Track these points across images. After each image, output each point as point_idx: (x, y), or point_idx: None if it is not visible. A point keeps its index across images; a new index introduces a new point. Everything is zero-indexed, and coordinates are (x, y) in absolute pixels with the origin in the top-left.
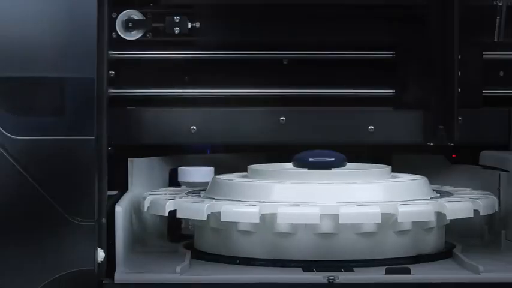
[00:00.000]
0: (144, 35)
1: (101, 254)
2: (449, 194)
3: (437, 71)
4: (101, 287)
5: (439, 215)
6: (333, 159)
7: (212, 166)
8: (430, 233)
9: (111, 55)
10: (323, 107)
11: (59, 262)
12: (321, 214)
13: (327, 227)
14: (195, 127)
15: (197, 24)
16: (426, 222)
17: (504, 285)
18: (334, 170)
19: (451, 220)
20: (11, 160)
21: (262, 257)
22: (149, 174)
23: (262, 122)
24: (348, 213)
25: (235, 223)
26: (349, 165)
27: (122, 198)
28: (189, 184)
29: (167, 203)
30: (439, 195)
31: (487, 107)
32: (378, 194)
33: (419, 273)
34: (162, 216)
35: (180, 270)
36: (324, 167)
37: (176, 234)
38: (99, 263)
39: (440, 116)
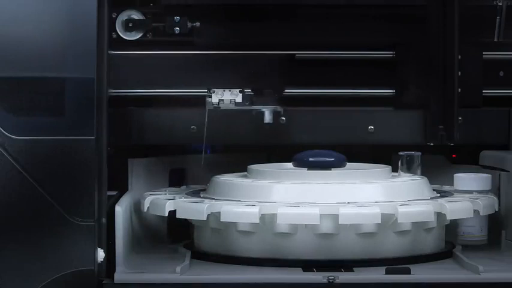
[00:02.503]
0: (144, 35)
1: (101, 254)
2: (449, 194)
3: (437, 71)
4: (101, 287)
5: (439, 215)
6: (333, 159)
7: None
8: (430, 233)
9: (111, 55)
10: (323, 107)
11: (59, 262)
12: (320, 214)
13: (327, 227)
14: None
15: (197, 24)
16: (426, 223)
17: (504, 285)
18: (334, 170)
19: (451, 220)
20: (11, 160)
21: (262, 257)
22: (149, 174)
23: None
24: (348, 214)
25: (235, 223)
26: (349, 165)
27: (122, 198)
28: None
29: (167, 203)
30: (439, 195)
31: (487, 107)
32: (378, 194)
33: (419, 273)
34: (162, 216)
35: (180, 270)
36: (324, 167)
37: (176, 234)
38: (99, 263)
39: (440, 116)
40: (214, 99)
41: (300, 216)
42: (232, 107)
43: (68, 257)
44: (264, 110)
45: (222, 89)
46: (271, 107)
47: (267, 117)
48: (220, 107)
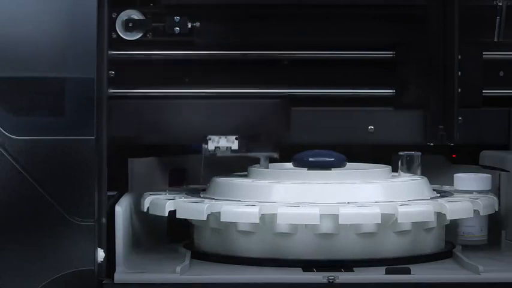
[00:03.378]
0: (144, 35)
1: (101, 254)
2: (449, 194)
3: (437, 71)
4: (101, 287)
5: (439, 215)
6: (333, 159)
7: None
8: (430, 233)
9: (111, 55)
10: (323, 107)
11: (59, 262)
12: (320, 214)
13: (327, 227)
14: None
15: (197, 24)
16: (426, 223)
17: (504, 285)
18: (334, 170)
19: (451, 220)
20: (11, 160)
21: (262, 257)
22: (149, 174)
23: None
24: (348, 214)
25: (235, 223)
26: (349, 165)
27: (121, 198)
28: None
29: (167, 203)
30: (439, 195)
31: (487, 107)
32: (378, 194)
33: (419, 273)
34: (162, 216)
35: (180, 270)
36: (324, 167)
37: (176, 234)
38: (99, 263)
39: (440, 116)
40: (211, 146)
41: (300, 216)
42: (229, 153)
43: (68, 257)
44: (260, 157)
45: (218, 136)
46: (267, 154)
47: (263, 164)
48: (216, 154)
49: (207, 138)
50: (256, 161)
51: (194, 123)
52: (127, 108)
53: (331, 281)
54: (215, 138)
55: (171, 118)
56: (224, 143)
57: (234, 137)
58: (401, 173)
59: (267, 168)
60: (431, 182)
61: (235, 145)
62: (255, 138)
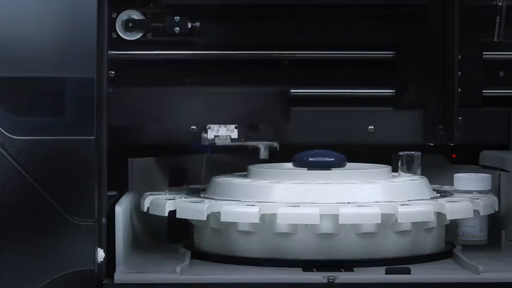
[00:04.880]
0: (144, 35)
1: (101, 254)
2: (449, 194)
3: (437, 71)
4: (101, 287)
5: (439, 215)
6: (333, 159)
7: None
8: (430, 233)
9: (111, 55)
10: (323, 107)
11: (59, 262)
12: (320, 214)
13: (327, 227)
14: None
15: (197, 24)
16: (426, 223)
17: (504, 285)
18: (334, 170)
19: (451, 220)
20: (11, 160)
21: (262, 257)
22: (149, 174)
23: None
24: (348, 214)
25: (235, 223)
26: (349, 165)
27: (122, 198)
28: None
29: (167, 203)
30: (439, 195)
31: (487, 107)
32: (378, 194)
33: (419, 273)
34: (162, 216)
35: (180, 270)
36: (324, 167)
37: (176, 234)
38: (99, 263)
39: (440, 116)
40: (210, 135)
41: (300, 216)
42: (228, 142)
43: (68, 257)
44: (259, 146)
45: (218, 125)
46: (267, 143)
47: (263, 154)
48: (216, 143)
49: (207, 127)
50: (256, 150)
51: (194, 112)
52: (126, 97)
53: (331, 281)
54: (215, 127)
55: (171, 107)
56: (224, 131)
57: (233, 126)
58: (401, 173)
59: (267, 157)
60: (431, 182)
61: (234, 134)
62: (255, 127)
